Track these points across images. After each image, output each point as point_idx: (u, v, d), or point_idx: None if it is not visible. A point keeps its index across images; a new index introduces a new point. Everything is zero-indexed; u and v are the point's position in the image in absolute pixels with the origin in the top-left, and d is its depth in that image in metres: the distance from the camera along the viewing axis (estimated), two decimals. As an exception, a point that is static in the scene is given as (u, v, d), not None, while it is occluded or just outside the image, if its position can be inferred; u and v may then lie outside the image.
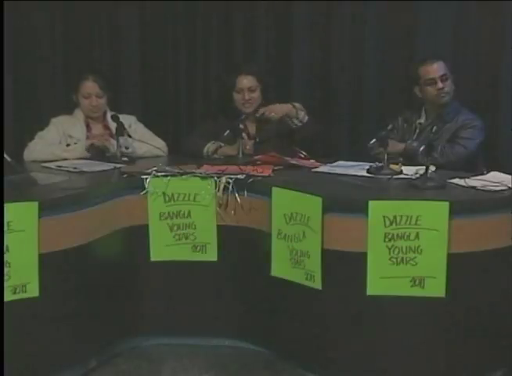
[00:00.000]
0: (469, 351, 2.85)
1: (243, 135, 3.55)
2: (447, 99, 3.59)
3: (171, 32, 4.23)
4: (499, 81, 3.92)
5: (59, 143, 3.62)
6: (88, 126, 3.72)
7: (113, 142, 3.57)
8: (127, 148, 3.55)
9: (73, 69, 4.04)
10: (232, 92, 3.68)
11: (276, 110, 3.56)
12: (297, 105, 3.57)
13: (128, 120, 3.64)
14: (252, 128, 3.75)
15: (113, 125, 3.63)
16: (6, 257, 2.73)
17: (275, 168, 3.28)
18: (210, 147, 3.64)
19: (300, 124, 3.56)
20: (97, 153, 3.63)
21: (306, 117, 3.58)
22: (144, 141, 3.63)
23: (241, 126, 3.56)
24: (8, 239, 2.72)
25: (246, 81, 3.67)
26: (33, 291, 2.78)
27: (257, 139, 3.70)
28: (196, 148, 3.64)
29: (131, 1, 4.19)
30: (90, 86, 3.66)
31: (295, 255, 2.93)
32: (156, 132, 3.79)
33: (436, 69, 3.57)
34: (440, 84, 3.56)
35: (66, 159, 3.53)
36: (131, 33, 4.22)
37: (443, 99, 3.59)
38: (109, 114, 3.72)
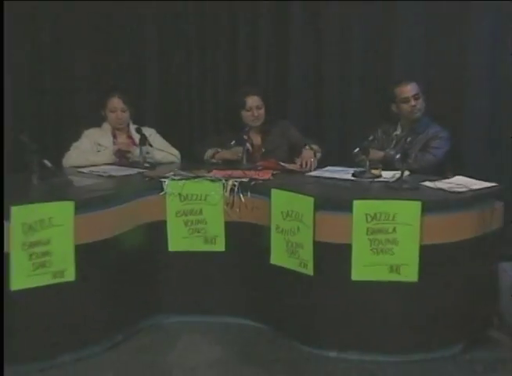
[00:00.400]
0: (437, 326, 2.88)
1: (247, 144, 3.55)
2: (419, 114, 3.58)
3: (185, 59, 4.20)
4: (463, 100, 3.91)
5: (90, 151, 3.65)
6: (114, 136, 3.73)
7: (136, 149, 3.59)
8: (148, 153, 3.56)
9: (100, 90, 4.02)
10: (241, 110, 3.68)
11: (309, 157, 3.49)
12: (314, 147, 3.55)
13: (148, 131, 3.65)
14: (257, 139, 3.75)
15: (135, 136, 3.66)
16: (48, 248, 2.77)
17: (274, 172, 3.30)
18: (208, 153, 3.64)
19: (319, 156, 3.57)
20: (123, 156, 3.66)
21: (320, 155, 3.58)
22: (161, 149, 3.65)
23: (245, 137, 3.56)
24: (49, 232, 2.76)
25: (254, 101, 3.67)
26: (70, 276, 2.82)
27: (264, 149, 3.71)
28: (198, 155, 3.67)
29: (150, 25, 4.17)
30: (116, 102, 3.68)
31: (291, 247, 2.95)
32: (171, 143, 3.80)
33: (410, 89, 3.56)
34: (413, 102, 3.55)
35: (96, 164, 3.56)
36: (152, 59, 4.19)
37: (415, 115, 3.58)
38: (131, 126, 3.74)
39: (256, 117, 3.68)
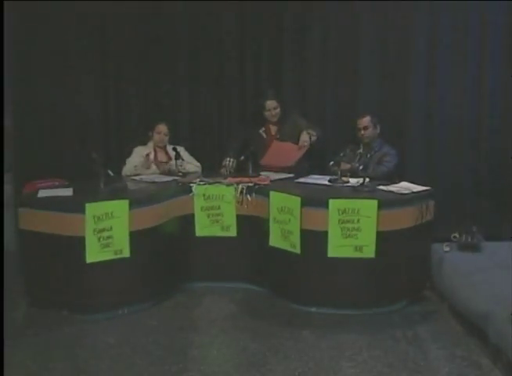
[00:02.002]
0: (387, 289, 3.00)
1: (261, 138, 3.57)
2: (367, 140, 3.59)
3: (208, 96, 4.09)
4: (406, 128, 3.98)
5: (139, 163, 3.64)
6: (155, 151, 3.74)
7: (172, 162, 3.62)
8: (181, 166, 3.59)
9: (146, 121, 3.97)
10: (263, 110, 3.70)
11: (305, 141, 3.58)
12: (310, 132, 3.60)
13: (179, 148, 3.65)
14: (274, 130, 3.74)
15: (171, 152, 3.66)
16: (110, 233, 2.88)
17: (272, 179, 3.35)
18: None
19: (314, 138, 3.59)
20: (163, 168, 3.67)
21: (315, 135, 3.60)
22: (189, 162, 3.69)
23: (263, 135, 3.64)
24: (112, 222, 2.89)
25: (272, 103, 3.68)
26: (126, 253, 2.95)
27: (278, 136, 3.71)
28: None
29: (183, 76, 4.02)
30: (162, 127, 3.71)
31: (284, 233, 3.04)
32: (196, 158, 3.79)
33: (363, 121, 3.61)
34: (362, 132, 3.61)
35: (142, 174, 3.58)
36: (184, 98, 4.09)
37: (365, 140, 3.60)
38: (168, 146, 3.75)
39: (274, 116, 3.70)
